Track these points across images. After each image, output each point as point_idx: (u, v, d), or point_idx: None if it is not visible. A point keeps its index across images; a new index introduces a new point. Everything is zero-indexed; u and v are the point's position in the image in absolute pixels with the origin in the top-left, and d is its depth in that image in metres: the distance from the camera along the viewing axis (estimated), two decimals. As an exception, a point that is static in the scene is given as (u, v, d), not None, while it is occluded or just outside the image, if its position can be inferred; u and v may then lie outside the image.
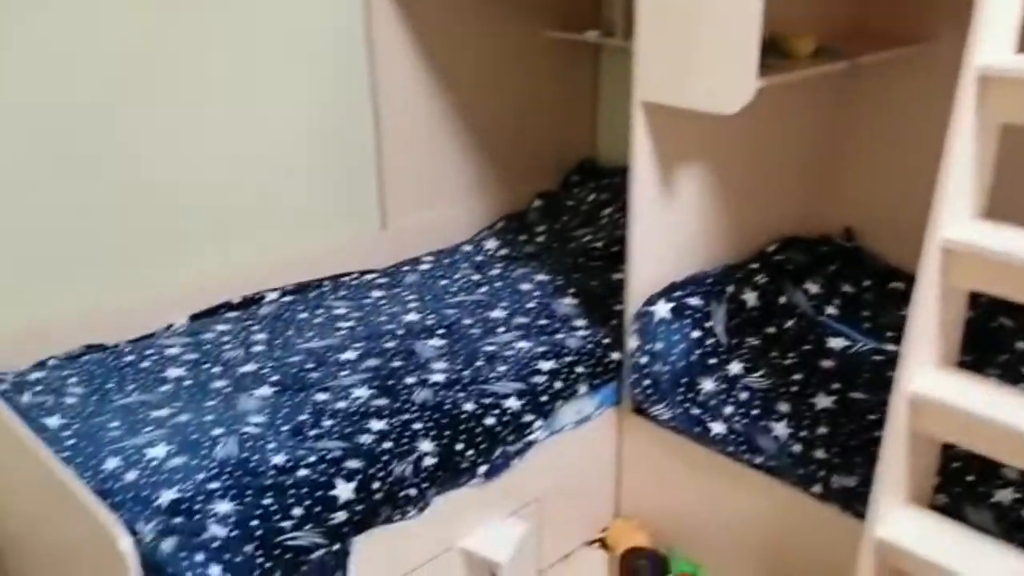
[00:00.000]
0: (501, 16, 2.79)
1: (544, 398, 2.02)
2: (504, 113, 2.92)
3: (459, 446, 1.87)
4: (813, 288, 2.28)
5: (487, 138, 2.91)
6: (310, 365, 2.13)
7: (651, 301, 2.11)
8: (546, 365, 2.10)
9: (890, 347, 2.11)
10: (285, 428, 1.86)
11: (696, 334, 2.08)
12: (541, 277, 2.59)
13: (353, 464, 1.75)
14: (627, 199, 2.05)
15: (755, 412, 1.91)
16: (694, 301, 2.11)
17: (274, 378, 2.08)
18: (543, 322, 2.31)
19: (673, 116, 2.01)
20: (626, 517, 2.30)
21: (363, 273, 2.66)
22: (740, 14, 1.71)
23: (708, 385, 1.99)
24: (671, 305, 2.09)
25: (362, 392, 1.99)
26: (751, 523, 1.99)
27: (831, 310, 2.25)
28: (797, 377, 1.98)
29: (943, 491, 1.65)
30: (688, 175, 2.15)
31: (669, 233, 2.16)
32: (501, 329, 2.28)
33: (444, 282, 2.60)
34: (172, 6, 2.15)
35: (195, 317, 2.40)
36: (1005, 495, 1.61)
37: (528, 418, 1.98)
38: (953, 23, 2.22)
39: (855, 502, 1.74)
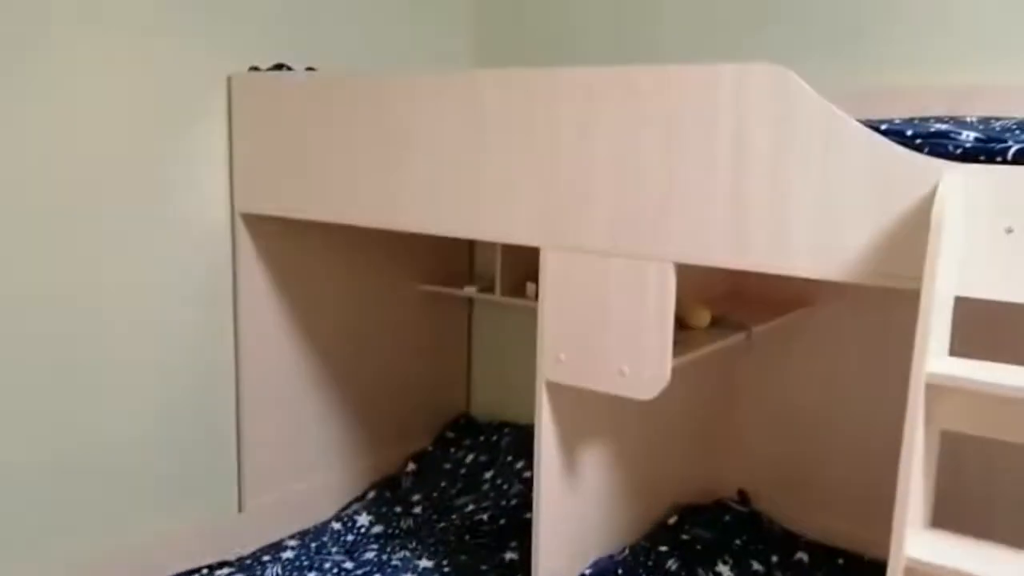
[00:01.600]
0: (371, 269, 2.66)
1: None
2: (374, 369, 2.72)
3: None
4: (724, 570, 2.13)
5: (356, 397, 2.68)
6: None
7: (561, 598, 1.88)
8: None
9: (813, 635, 1.96)
10: None
11: (615, 637, 1.85)
12: (424, 563, 2.29)
13: None
14: (534, 473, 1.86)
15: None
16: (609, 598, 1.90)
17: None
18: (435, 624, 2.01)
19: (576, 395, 1.88)
20: None
21: (216, 567, 2.27)
22: (654, 299, 1.64)
23: None
24: (584, 606, 1.87)
25: None
26: None
27: (747, 594, 2.10)
28: None
29: None
30: (590, 452, 2.00)
31: (574, 517, 1.97)
32: (387, 637, 1.96)
33: (312, 575, 2.25)
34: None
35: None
36: None
37: None
38: (829, 289, 2.29)
39: None
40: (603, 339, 1.71)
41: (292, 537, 2.44)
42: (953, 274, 1.31)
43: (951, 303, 1.33)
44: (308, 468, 2.56)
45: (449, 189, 1.87)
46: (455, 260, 2.94)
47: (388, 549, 2.38)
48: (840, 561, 2.24)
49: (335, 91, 2.01)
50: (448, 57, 2.84)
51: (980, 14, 2.08)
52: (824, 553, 2.27)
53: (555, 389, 1.82)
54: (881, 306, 2.23)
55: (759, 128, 1.47)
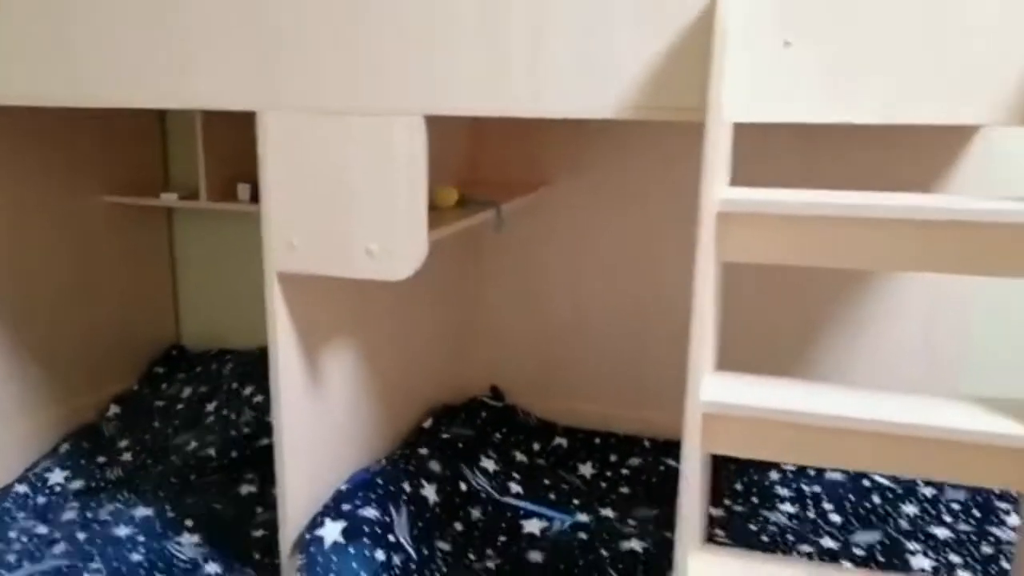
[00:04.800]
0: (44, 180, 2.16)
1: None
2: (55, 303, 2.24)
3: None
4: (489, 465, 2.00)
5: (33, 338, 2.19)
6: None
7: (316, 522, 1.63)
8: (188, 648, 1.49)
9: (583, 517, 1.90)
10: None
11: (380, 555, 1.64)
12: (142, 512, 1.93)
13: None
14: (271, 385, 1.58)
15: (481, 642, 1.53)
16: (370, 512, 1.68)
17: None
18: (163, 580, 1.69)
19: (316, 286, 1.62)
20: None
21: None
22: (404, 161, 1.41)
23: (413, 619, 1.56)
24: (342, 524, 1.63)
25: None
26: None
27: (514, 487, 1.99)
28: (512, 583, 1.65)
29: None
30: (334, 354, 1.76)
31: (322, 429, 1.72)
32: (103, 606, 1.61)
33: (-5, 549, 1.80)
34: None
35: None
36: None
37: None
38: (567, 166, 2.20)
39: None
40: (344, 216, 1.46)
41: (-39, 510, 1.95)
42: (733, 97, 1.21)
43: (730, 130, 1.24)
44: (-25, 425, 2.05)
45: (140, 46, 1.49)
46: (147, 165, 2.49)
47: (93, 505, 1.97)
48: (596, 440, 2.21)
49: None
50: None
51: None
52: (583, 436, 2.23)
53: (289, 282, 1.55)
54: (620, 183, 2.19)
55: (512, -55, 1.28)
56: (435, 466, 1.89)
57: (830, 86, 1.19)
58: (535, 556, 1.74)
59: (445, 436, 2.01)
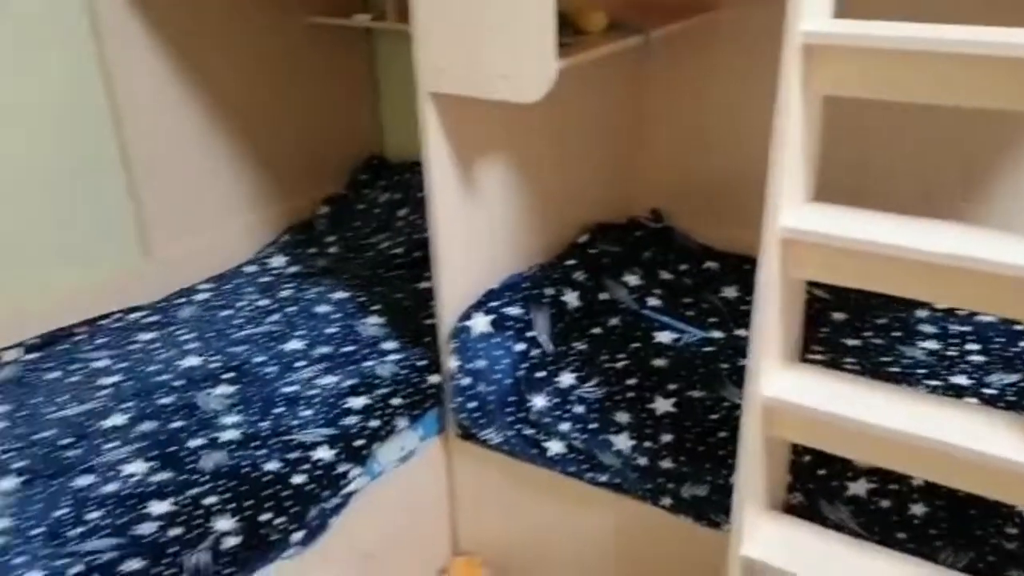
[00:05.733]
0: (255, 5, 2.45)
1: (360, 442, 1.76)
2: (274, 114, 2.59)
3: (265, 515, 1.57)
4: (632, 280, 2.16)
5: (258, 144, 2.56)
6: (67, 440, 1.74)
7: (467, 315, 1.89)
8: (358, 402, 1.83)
9: (716, 334, 2.02)
10: (39, 531, 1.49)
11: (520, 347, 1.88)
12: (340, 295, 2.30)
13: (133, 565, 1.42)
14: (425, 201, 1.81)
15: (593, 426, 1.75)
16: (514, 310, 1.92)
17: (19, 464, 1.68)
18: (348, 349, 2.04)
19: (466, 106, 1.79)
20: (466, 554, 2.09)
21: (127, 312, 2.26)
22: (534, -9, 1.51)
23: (539, 401, 1.81)
24: (490, 318, 1.88)
25: (137, 467, 1.65)
26: (601, 545, 1.84)
27: (653, 301, 2.14)
28: (632, 382, 1.84)
29: (797, 489, 1.56)
30: (489, 169, 1.94)
31: (476, 236, 1.95)
32: (301, 363, 1.99)
33: (227, 313, 2.25)
34: None
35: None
36: (859, 487, 1.54)
37: (344, 467, 1.71)
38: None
39: (709, 511, 1.62)
40: (482, 42, 1.60)
41: (206, 282, 2.42)
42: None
43: (835, -41, 1.23)
44: (216, 217, 2.49)
45: None
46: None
47: (304, 287, 2.37)
48: (747, 267, 2.27)
49: None
50: None
51: None
52: (735, 260, 2.30)
53: (441, 101, 1.73)
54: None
55: None
56: (579, 276, 2.08)
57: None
58: (659, 362, 1.91)
59: (593, 251, 2.18)
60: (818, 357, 1.89)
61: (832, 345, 1.94)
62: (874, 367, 1.86)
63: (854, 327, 2.01)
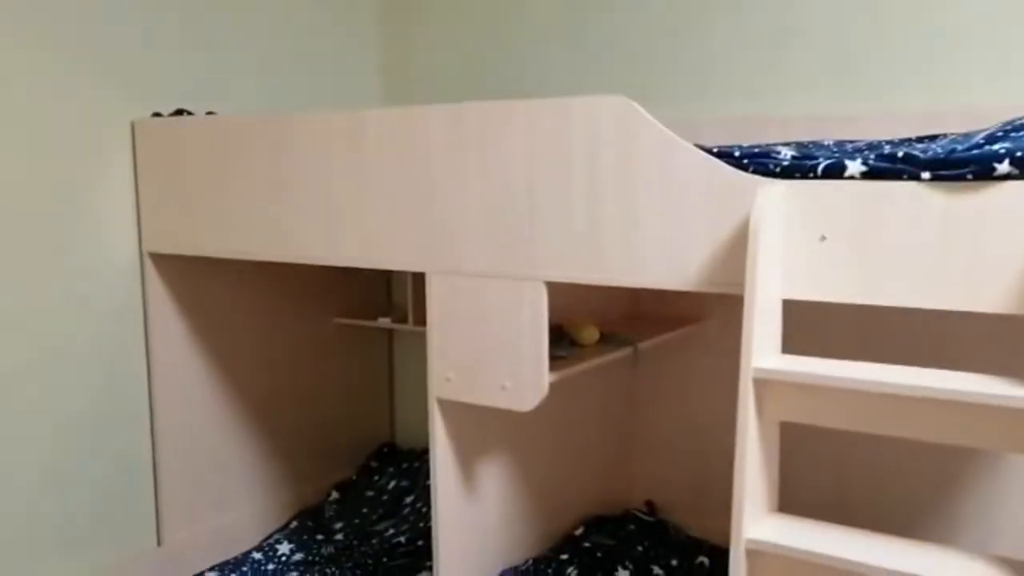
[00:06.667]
0: (288, 305, 2.74)
1: None
2: (295, 404, 2.79)
3: None
4: (623, 575, 2.22)
5: (277, 433, 2.74)
6: None
7: (463, 608, 1.96)
8: None
9: (707, 632, 2.05)
10: None
11: (513, 642, 1.93)
12: (341, 584, 2.36)
13: None
14: (431, 490, 1.94)
15: None
16: (508, 605, 1.98)
17: None
18: (346, 642, 2.08)
19: (471, 409, 1.98)
20: None
21: (133, 600, 2.31)
22: (529, 316, 1.74)
23: None
24: (484, 611, 1.95)
25: None
26: None
27: (646, 597, 2.19)
28: None
29: None
30: (489, 466, 2.10)
31: (475, 530, 2.06)
32: (298, 657, 2.02)
33: (230, 602, 2.30)
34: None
35: None
36: None
37: None
38: (719, 305, 2.41)
39: None
40: (485, 356, 1.82)
41: (212, 569, 2.49)
42: (776, 279, 1.44)
43: (779, 305, 1.46)
44: (229, 502, 2.61)
45: (338, 220, 1.97)
46: (373, 292, 3.04)
47: (308, 575, 2.43)
48: (738, 563, 2.34)
49: (231, 132, 2.11)
50: (358, 99, 2.96)
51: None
52: (726, 554, 2.36)
53: (447, 407, 1.92)
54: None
55: (607, 154, 1.60)
56: (572, 571, 2.15)
57: (860, 276, 1.38)
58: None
59: (587, 544, 2.27)
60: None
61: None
62: None
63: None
